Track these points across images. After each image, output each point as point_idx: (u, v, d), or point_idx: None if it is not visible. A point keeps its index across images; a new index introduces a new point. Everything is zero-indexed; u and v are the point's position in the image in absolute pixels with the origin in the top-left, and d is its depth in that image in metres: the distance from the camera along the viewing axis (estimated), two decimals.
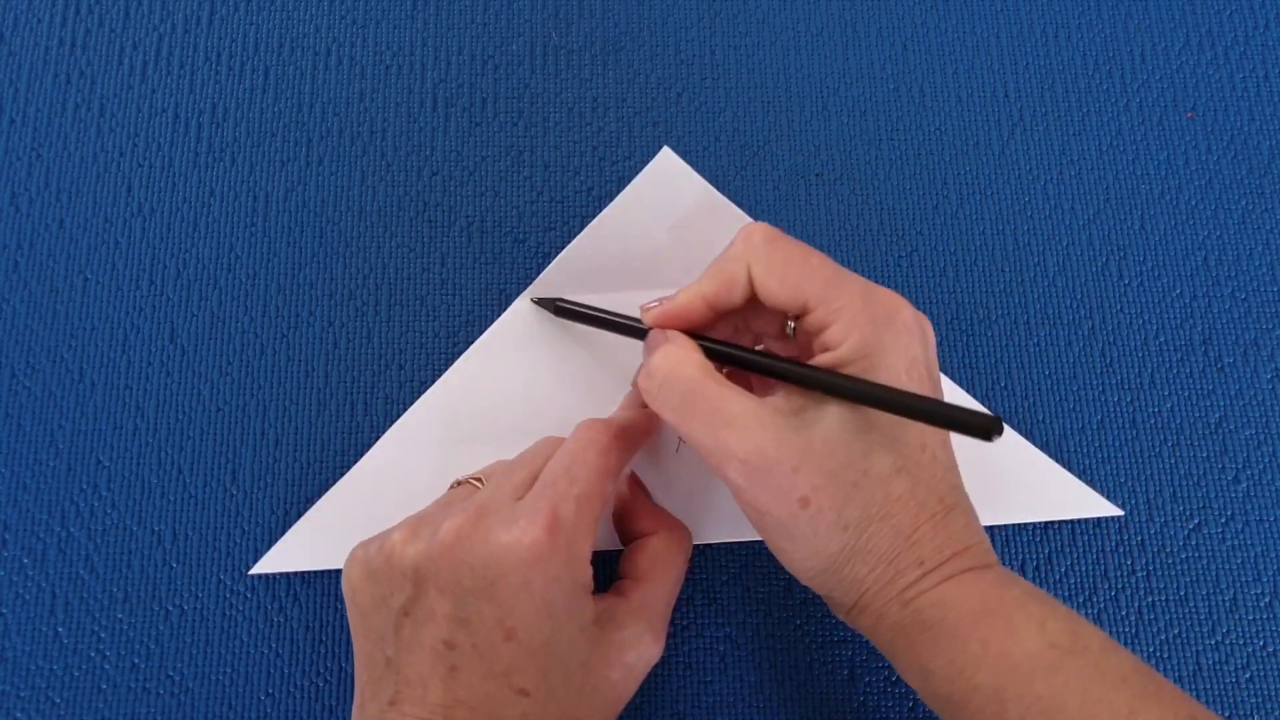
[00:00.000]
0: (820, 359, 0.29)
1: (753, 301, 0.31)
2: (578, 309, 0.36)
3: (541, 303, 0.38)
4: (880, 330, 0.29)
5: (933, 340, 0.31)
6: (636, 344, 0.35)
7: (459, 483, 0.33)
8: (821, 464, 0.28)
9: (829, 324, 0.29)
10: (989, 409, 0.39)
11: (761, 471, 0.28)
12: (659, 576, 0.32)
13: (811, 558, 0.29)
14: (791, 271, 0.30)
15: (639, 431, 0.33)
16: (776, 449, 0.28)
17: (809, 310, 0.29)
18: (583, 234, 0.40)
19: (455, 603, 0.28)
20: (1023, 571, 0.37)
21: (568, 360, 0.38)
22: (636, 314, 0.35)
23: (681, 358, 0.30)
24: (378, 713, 0.28)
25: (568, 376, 0.38)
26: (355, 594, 0.30)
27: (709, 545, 0.37)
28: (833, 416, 0.28)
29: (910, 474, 0.28)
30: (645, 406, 0.33)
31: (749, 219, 0.38)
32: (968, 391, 0.39)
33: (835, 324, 0.29)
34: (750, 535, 0.35)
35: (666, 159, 0.39)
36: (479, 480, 0.32)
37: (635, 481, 0.36)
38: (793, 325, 0.31)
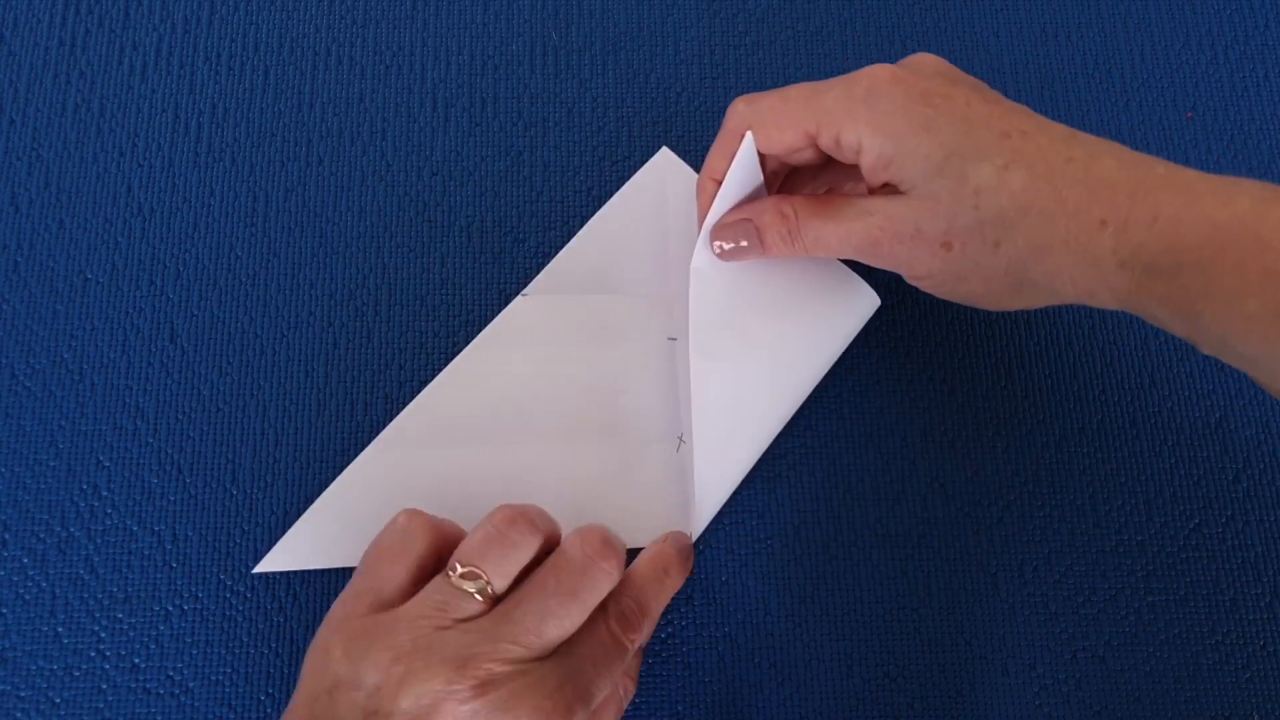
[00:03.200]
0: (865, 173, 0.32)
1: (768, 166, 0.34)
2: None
3: None
4: (879, 115, 0.30)
5: (927, 63, 0.32)
6: (636, 344, 0.35)
7: (453, 571, 0.30)
8: (932, 208, 0.30)
9: (838, 133, 0.31)
10: (989, 410, 0.39)
11: (886, 248, 0.31)
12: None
13: (994, 285, 0.31)
14: (778, 111, 0.32)
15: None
16: (881, 226, 0.31)
17: (818, 135, 0.31)
18: (581, 232, 0.40)
19: None
20: (1021, 572, 0.37)
21: (566, 359, 0.38)
22: (638, 315, 0.35)
23: (774, 202, 0.33)
24: None
25: (566, 375, 0.38)
26: (321, 681, 0.28)
27: (708, 545, 0.37)
28: (913, 170, 0.30)
29: (1022, 160, 0.29)
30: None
31: None
32: (967, 393, 0.39)
33: (842, 131, 0.31)
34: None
35: (665, 159, 0.39)
36: (481, 591, 0.29)
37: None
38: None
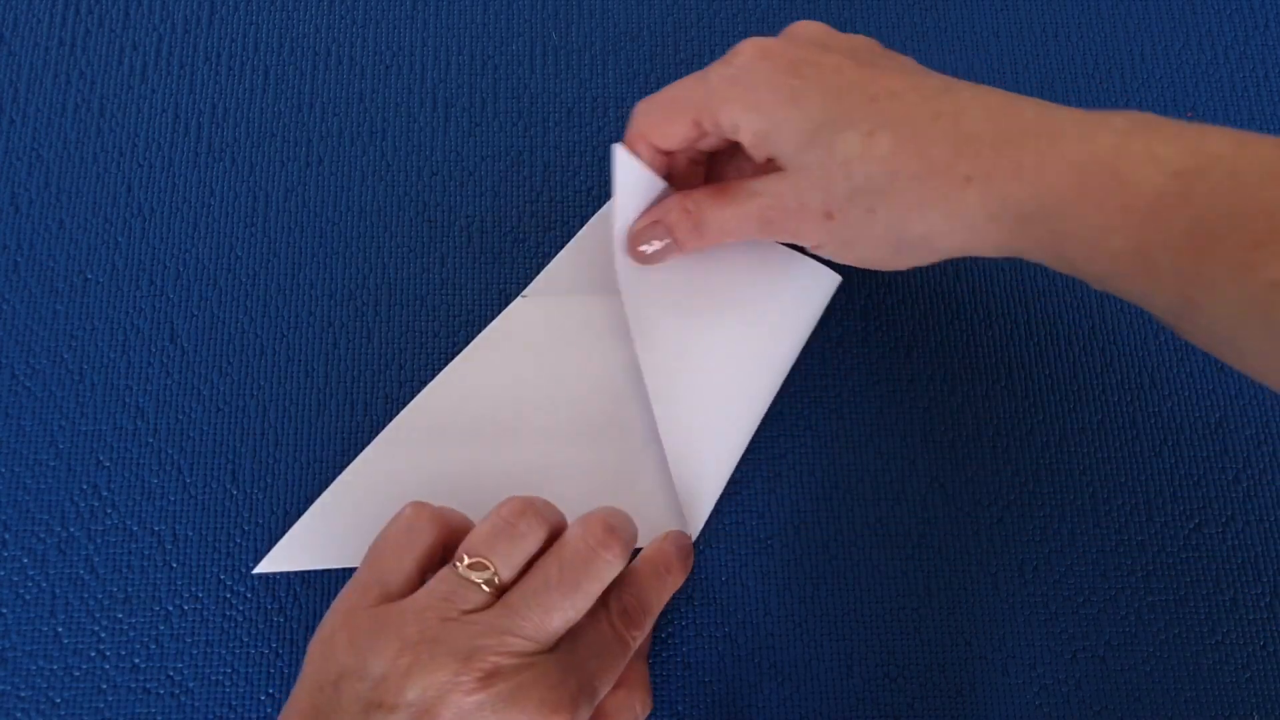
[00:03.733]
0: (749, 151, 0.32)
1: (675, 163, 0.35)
2: None
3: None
4: (748, 91, 0.31)
5: (803, 31, 0.32)
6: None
7: (460, 561, 0.30)
8: (809, 181, 0.30)
9: (716, 115, 0.31)
10: (989, 410, 0.39)
11: (778, 223, 0.32)
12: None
13: (878, 249, 0.31)
14: (666, 105, 0.33)
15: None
16: (770, 205, 0.32)
17: (703, 121, 0.32)
18: (581, 232, 0.40)
19: None
20: (1021, 572, 0.37)
21: (567, 360, 0.38)
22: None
23: (678, 199, 0.34)
24: None
25: (567, 376, 0.38)
26: (326, 673, 0.28)
27: (708, 545, 0.37)
28: (786, 144, 0.30)
29: (888, 123, 0.29)
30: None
31: None
32: (967, 393, 0.39)
33: (719, 113, 0.31)
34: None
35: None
36: (488, 582, 0.29)
37: None
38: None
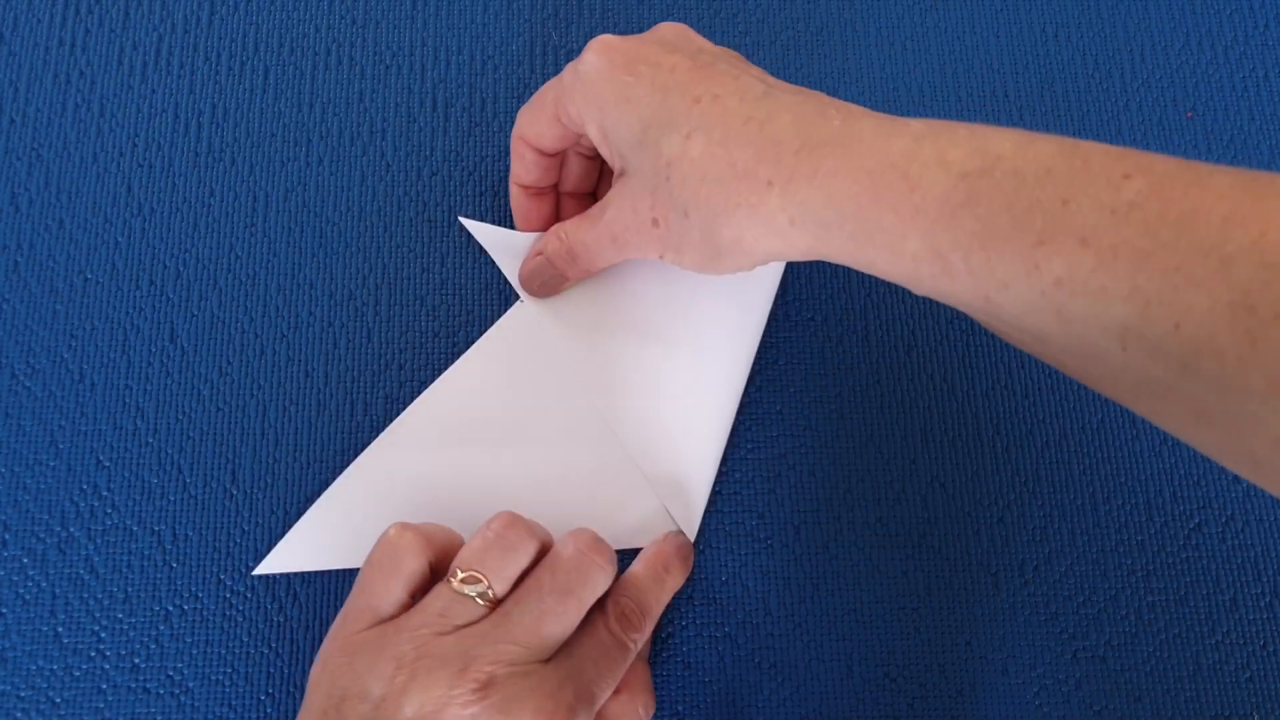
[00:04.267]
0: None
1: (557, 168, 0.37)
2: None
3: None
4: (589, 87, 0.31)
5: (661, 31, 0.32)
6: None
7: (453, 576, 0.30)
8: (639, 185, 0.30)
9: (568, 112, 0.32)
10: (989, 410, 0.39)
11: (622, 239, 0.32)
12: None
13: (698, 253, 0.30)
14: (534, 105, 0.34)
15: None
16: (613, 219, 0.32)
17: (561, 118, 0.33)
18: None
19: None
20: (1021, 572, 0.37)
21: (568, 362, 0.38)
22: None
23: (553, 230, 0.35)
24: None
25: (567, 379, 0.38)
26: (329, 697, 0.28)
27: (708, 545, 0.37)
28: (620, 143, 0.31)
29: (703, 126, 0.29)
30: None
31: None
32: (967, 393, 0.39)
33: (568, 109, 0.32)
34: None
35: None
36: (482, 595, 0.29)
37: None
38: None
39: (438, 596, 0.29)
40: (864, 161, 0.27)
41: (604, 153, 0.32)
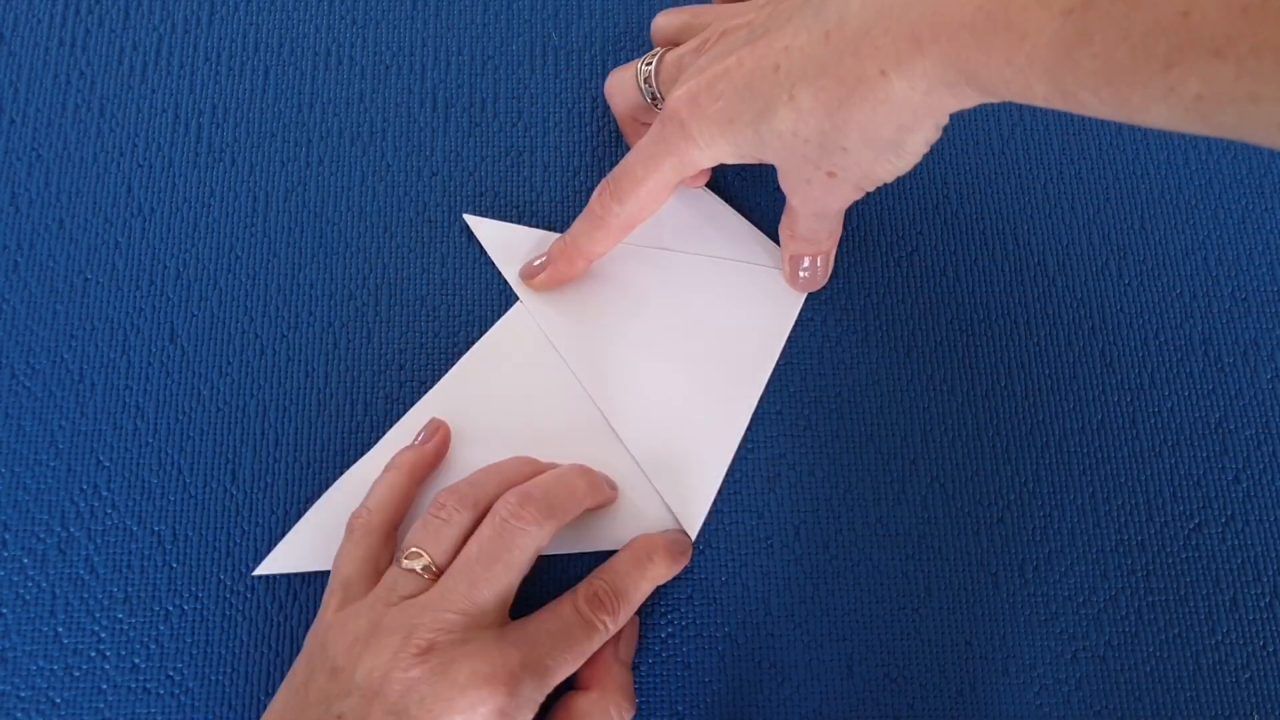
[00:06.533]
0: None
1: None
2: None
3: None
4: (701, 153, 0.33)
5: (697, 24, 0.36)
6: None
7: (400, 554, 0.32)
8: (801, 181, 0.33)
9: (699, 166, 0.34)
10: (989, 410, 0.39)
11: (826, 213, 0.35)
12: None
13: (879, 164, 0.31)
14: (644, 181, 0.35)
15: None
16: (801, 208, 0.35)
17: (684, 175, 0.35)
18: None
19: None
20: (1021, 572, 0.37)
21: (568, 363, 0.38)
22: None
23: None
24: None
25: (567, 379, 0.38)
26: (299, 675, 0.30)
27: (708, 545, 0.37)
28: (755, 151, 0.32)
29: (798, 80, 0.30)
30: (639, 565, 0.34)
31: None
32: (967, 393, 0.39)
33: (700, 163, 0.34)
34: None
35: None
36: (425, 569, 0.31)
37: None
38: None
39: (388, 575, 0.31)
40: (958, 14, 0.26)
41: (746, 162, 0.33)
